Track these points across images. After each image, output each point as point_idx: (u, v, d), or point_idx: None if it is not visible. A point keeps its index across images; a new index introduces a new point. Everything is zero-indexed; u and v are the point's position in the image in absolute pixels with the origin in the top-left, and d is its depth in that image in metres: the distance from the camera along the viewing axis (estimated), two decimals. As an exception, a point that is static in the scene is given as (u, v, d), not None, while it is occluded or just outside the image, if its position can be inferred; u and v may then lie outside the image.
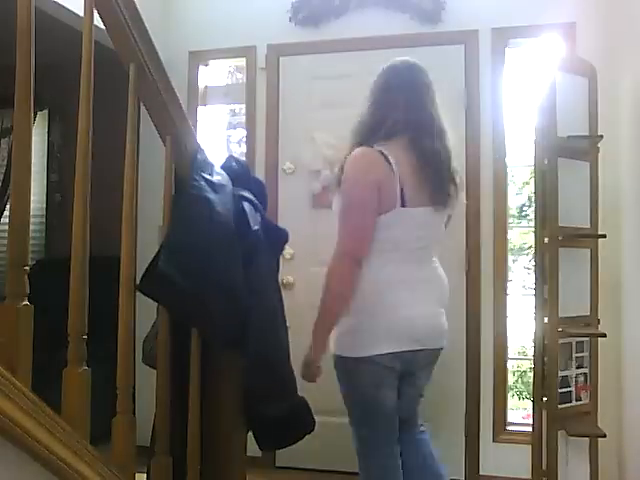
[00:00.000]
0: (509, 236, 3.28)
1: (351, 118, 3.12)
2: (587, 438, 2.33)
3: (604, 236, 2.35)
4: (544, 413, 2.40)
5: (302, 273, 3.18)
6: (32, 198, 1.12)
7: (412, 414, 2.13)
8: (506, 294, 3.12)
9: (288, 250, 3.11)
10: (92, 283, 1.23)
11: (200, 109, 3.52)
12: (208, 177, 1.48)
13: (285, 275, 3.16)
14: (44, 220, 4.52)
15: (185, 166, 1.47)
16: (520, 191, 5.14)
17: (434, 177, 1.89)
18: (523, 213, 5.15)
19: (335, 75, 3.27)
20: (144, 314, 1.67)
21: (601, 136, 2.37)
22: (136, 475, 1.32)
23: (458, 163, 3.22)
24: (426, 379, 2.11)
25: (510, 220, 3.50)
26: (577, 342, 2.35)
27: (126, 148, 1.34)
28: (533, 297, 2.62)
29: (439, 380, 3.08)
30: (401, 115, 1.91)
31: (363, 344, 1.87)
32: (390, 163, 1.84)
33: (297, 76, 3.35)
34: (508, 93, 3.17)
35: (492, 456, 3.06)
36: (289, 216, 3.16)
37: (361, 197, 1.85)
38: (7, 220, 1.09)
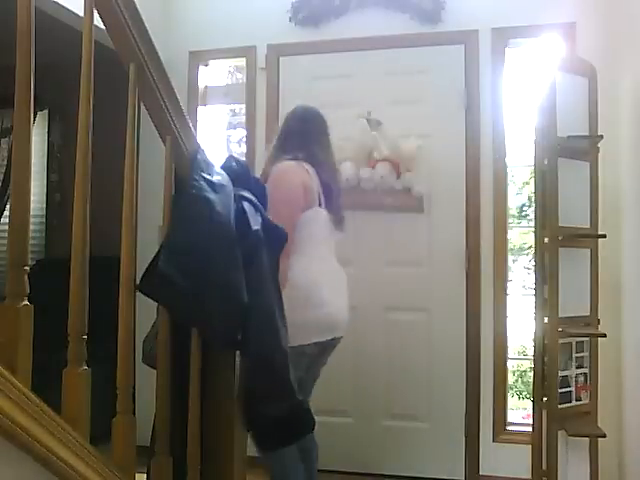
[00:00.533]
0: (509, 236, 3.28)
1: (351, 118, 3.12)
2: (587, 438, 2.33)
3: (604, 236, 2.35)
4: (544, 413, 2.40)
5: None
6: (32, 198, 1.11)
7: (308, 395, 2.30)
8: (506, 294, 3.12)
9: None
10: (92, 283, 1.23)
11: (200, 109, 3.52)
12: (208, 177, 1.48)
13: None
14: (44, 220, 4.52)
15: (185, 166, 1.47)
16: (520, 191, 5.15)
17: (333, 205, 2.28)
18: (523, 213, 5.15)
19: (335, 75, 3.27)
20: (144, 314, 1.67)
21: (601, 136, 2.37)
22: (136, 475, 1.32)
23: (458, 163, 3.25)
24: (324, 363, 2.35)
25: (510, 220, 3.50)
26: (577, 342, 2.35)
27: (126, 148, 1.33)
28: (533, 297, 2.62)
29: (439, 380, 3.10)
30: (301, 153, 2.24)
31: (293, 335, 2.01)
32: (308, 171, 2.20)
33: (297, 76, 3.34)
34: (508, 93, 3.17)
35: (492, 456, 3.06)
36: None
37: (291, 196, 2.13)
38: (7, 220, 1.09)
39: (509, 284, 3.21)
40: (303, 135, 2.29)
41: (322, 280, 2.17)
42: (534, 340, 2.58)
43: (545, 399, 2.37)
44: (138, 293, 1.36)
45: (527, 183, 5.00)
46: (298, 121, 2.34)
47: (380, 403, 3.16)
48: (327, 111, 3.23)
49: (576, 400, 2.33)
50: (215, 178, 1.50)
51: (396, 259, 3.18)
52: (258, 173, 3.15)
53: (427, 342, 3.13)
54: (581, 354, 2.37)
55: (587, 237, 2.37)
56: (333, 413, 3.10)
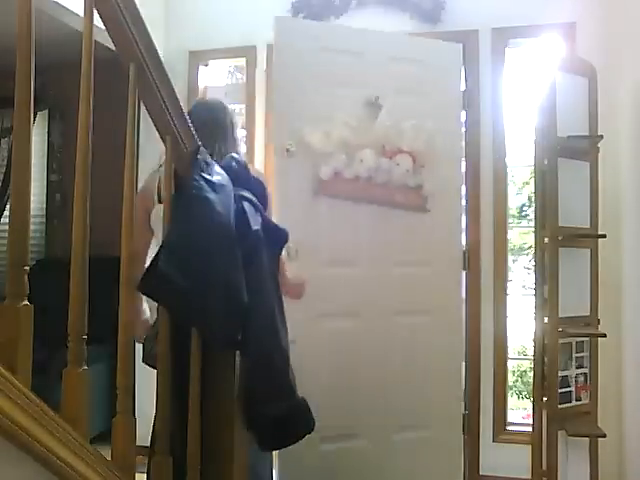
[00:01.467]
0: (509, 236, 3.28)
1: (359, 100, 2.72)
2: (587, 438, 2.33)
3: (604, 236, 2.35)
4: (544, 413, 2.40)
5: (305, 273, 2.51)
6: (32, 198, 1.11)
7: None
8: (506, 294, 3.12)
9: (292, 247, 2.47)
10: (92, 283, 1.23)
11: (200, 109, 3.52)
12: (208, 177, 1.48)
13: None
14: (44, 220, 4.52)
15: (185, 166, 1.47)
16: (520, 191, 5.16)
17: None
18: (523, 213, 5.16)
19: (346, 50, 2.82)
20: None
21: (601, 136, 2.37)
22: (136, 475, 1.32)
23: (458, 163, 3.16)
24: None
25: (510, 220, 3.50)
26: (577, 342, 2.35)
27: (126, 148, 1.33)
28: (533, 297, 2.62)
29: (439, 380, 3.08)
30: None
31: None
32: None
33: (304, 48, 2.76)
34: (508, 93, 3.17)
35: (492, 456, 3.06)
36: (288, 206, 2.61)
37: None
38: (7, 220, 1.09)
39: (509, 284, 3.20)
40: (204, 135, 2.02)
41: None
42: (534, 340, 2.58)
43: (545, 399, 2.37)
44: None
45: (527, 183, 5.00)
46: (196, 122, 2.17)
47: (390, 416, 2.80)
48: (332, 89, 2.69)
49: (576, 400, 2.33)
50: (215, 178, 1.50)
51: (397, 260, 2.93)
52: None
53: (429, 344, 3.02)
54: (581, 354, 2.37)
55: (587, 237, 2.37)
56: (345, 438, 2.67)
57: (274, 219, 2.43)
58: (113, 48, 1.31)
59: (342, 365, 2.69)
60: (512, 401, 4.20)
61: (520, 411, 4.25)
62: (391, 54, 2.87)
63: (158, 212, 1.95)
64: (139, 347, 1.73)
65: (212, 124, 2.03)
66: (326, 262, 2.66)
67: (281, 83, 2.71)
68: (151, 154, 2.02)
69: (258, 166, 3.32)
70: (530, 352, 3.84)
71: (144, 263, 1.94)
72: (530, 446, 2.60)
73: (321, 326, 2.63)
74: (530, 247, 4.61)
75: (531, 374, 2.80)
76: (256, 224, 1.57)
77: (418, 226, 2.89)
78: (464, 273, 3.09)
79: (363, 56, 2.81)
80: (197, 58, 3.51)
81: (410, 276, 2.93)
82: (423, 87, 2.91)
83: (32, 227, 1.16)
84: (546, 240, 2.40)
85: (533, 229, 2.71)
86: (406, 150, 2.73)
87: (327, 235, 2.67)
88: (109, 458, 1.25)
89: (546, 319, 2.36)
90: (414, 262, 2.94)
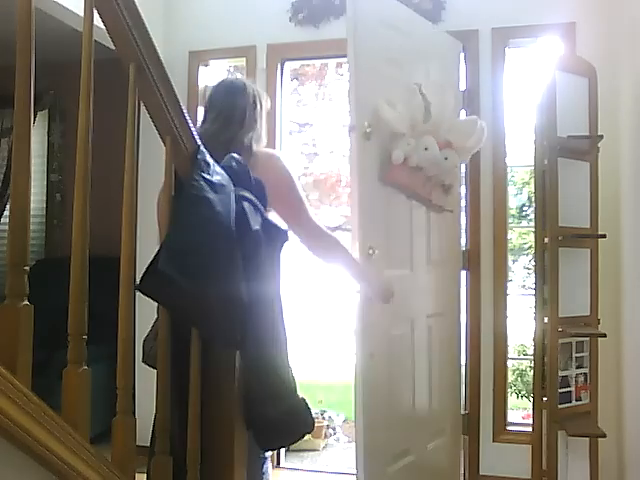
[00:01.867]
0: (509, 236, 3.28)
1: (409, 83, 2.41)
2: (587, 438, 2.33)
3: (604, 236, 2.35)
4: (544, 413, 2.40)
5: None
6: (32, 198, 1.11)
7: None
8: (506, 294, 3.12)
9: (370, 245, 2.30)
10: (92, 283, 1.23)
11: (200, 109, 3.52)
12: (208, 177, 1.48)
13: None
14: (44, 220, 4.53)
15: (185, 166, 1.47)
16: (520, 191, 5.16)
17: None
18: (523, 213, 5.16)
19: (401, 29, 2.58)
20: (144, 314, 1.68)
21: (601, 136, 2.37)
22: (136, 475, 1.32)
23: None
24: None
25: (510, 220, 3.50)
26: (577, 342, 2.36)
27: (126, 148, 1.33)
28: (533, 297, 2.62)
29: (446, 382, 3.06)
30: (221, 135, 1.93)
31: None
32: None
33: (375, 22, 2.46)
34: (508, 93, 3.17)
35: (492, 456, 3.06)
36: (365, 196, 2.33)
37: None
38: (7, 220, 1.09)
39: (509, 284, 3.20)
40: (220, 122, 1.97)
41: None
42: (534, 340, 2.58)
43: (545, 399, 2.37)
44: (138, 293, 1.36)
45: (527, 183, 5.01)
46: (213, 110, 2.01)
47: (425, 425, 2.69)
48: (394, 69, 2.46)
49: (576, 400, 2.33)
50: (215, 178, 1.50)
51: (425, 262, 2.74)
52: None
53: (439, 345, 2.83)
54: (581, 354, 2.37)
55: (587, 237, 2.37)
56: (402, 455, 2.50)
57: (354, 208, 2.30)
58: (113, 48, 1.32)
59: (404, 376, 2.55)
60: (511, 400, 4.20)
61: (520, 411, 4.25)
62: (424, 42, 2.72)
63: None
64: (139, 347, 1.73)
65: (228, 110, 1.98)
66: (391, 263, 2.43)
67: (357, 54, 2.35)
68: (154, 154, 2.01)
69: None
70: (530, 352, 3.85)
71: None
72: (530, 446, 2.60)
73: (391, 335, 2.44)
74: (530, 247, 4.62)
75: (531, 373, 2.80)
76: (256, 224, 1.57)
77: (434, 226, 2.75)
78: (464, 273, 3.09)
79: (412, 39, 2.61)
80: (197, 58, 3.51)
81: (432, 277, 2.80)
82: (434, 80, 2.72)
83: (32, 227, 1.16)
84: (546, 240, 2.40)
85: (533, 229, 2.71)
86: (455, 145, 2.40)
87: (392, 233, 2.45)
88: (109, 458, 1.25)
89: (546, 319, 2.36)
90: (434, 263, 2.80)
